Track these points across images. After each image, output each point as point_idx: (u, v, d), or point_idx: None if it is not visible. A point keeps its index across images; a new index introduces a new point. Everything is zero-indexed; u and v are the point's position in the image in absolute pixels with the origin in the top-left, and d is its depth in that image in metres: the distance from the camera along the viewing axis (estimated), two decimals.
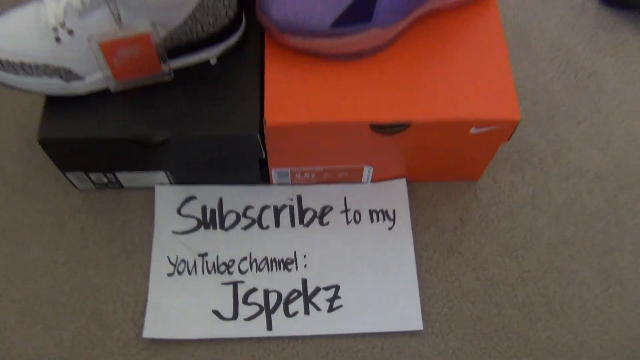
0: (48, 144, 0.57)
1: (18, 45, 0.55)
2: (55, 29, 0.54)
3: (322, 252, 0.63)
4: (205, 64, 0.60)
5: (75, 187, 0.66)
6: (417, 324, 0.59)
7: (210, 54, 0.60)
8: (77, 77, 0.57)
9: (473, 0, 0.61)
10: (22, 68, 0.55)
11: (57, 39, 0.54)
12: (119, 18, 0.53)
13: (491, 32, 0.60)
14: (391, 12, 0.56)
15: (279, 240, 0.63)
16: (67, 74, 0.56)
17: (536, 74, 0.75)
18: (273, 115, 0.55)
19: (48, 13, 0.54)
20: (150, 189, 0.66)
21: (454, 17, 0.61)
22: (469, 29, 0.60)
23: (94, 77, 0.57)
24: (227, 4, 0.57)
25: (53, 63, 0.55)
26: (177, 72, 0.60)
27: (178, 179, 0.65)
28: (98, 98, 0.58)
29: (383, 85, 0.57)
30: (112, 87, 0.58)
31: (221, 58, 0.60)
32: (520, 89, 0.74)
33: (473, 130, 0.58)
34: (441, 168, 0.65)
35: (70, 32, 0.54)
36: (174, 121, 0.58)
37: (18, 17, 0.56)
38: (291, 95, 0.56)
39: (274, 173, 0.65)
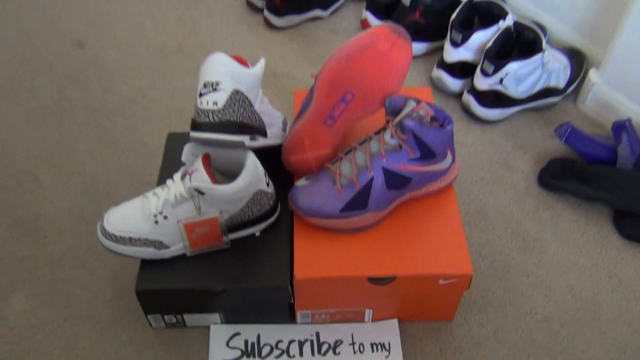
0: (142, 294, 0.81)
1: (127, 226, 0.82)
2: (155, 215, 0.81)
3: None
4: (252, 235, 0.86)
5: (151, 325, 0.89)
6: None
7: (256, 229, 0.86)
8: (166, 247, 0.82)
9: (437, 192, 0.88)
10: (130, 241, 0.81)
11: (156, 222, 0.81)
12: (199, 208, 0.80)
13: (451, 213, 0.86)
14: (379, 202, 0.82)
15: None
16: (159, 245, 0.82)
17: (493, 240, 1.00)
18: (300, 271, 0.79)
19: (151, 205, 0.82)
20: (207, 327, 0.88)
21: (425, 203, 0.88)
22: (435, 211, 0.87)
23: (177, 246, 0.83)
24: (269, 197, 0.84)
25: (151, 238, 0.82)
26: (232, 241, 0.85)
27: (228, 319, 0.88)
28: (177, 260, 0.83)
29: (376, 250, 0.82)
30: (188, 253, 0.84)
31: (263, 231, 0.86)
32: (482, 251, 0.98)
33: (441, 281, 0.81)
34: (423, 310, 0.88)
35: (165, 217, 0.81)
36: (228, 276, 0.82)
37: (129, 207, 0.84)
38: (313, 258, 0.81)
39: (299, 315, 0.87)
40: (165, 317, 0.87)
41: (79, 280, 0.95)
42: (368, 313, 0.87)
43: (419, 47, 1.33)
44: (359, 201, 0.82)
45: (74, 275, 0.95)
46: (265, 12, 1.41)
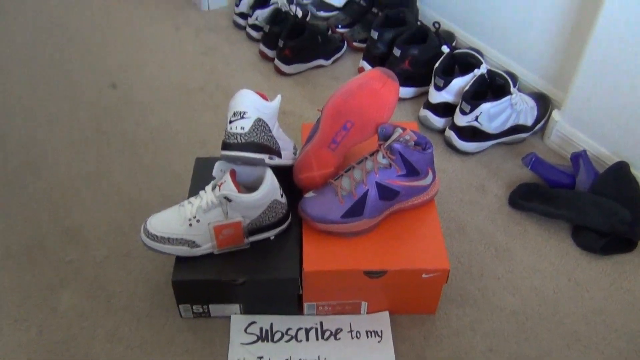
0: (176, 284, 0.98)
1: (167, 228, 0.99)
2: (189, 219, 0.99)
3: (336, 356, 0.99)
4: (268, 239, 1.04)
5: (181, 315, 1.05)
6: None
7: (271, 234, 1.04)
8: (197, 246, 1.00)
9: (421, 204, 1.06)
10: (168, 240, 0.99)
11: (190, 224, 0.99)
12: (227, 213, 0.98)
13: (432, 221, 1.05)
14: (373, 211, 1.01)
15: (308, 349, 1.00)
16: (192, 244, 1.00)
17: (470, 250, 1.18)
18: (308, 265, 0.97)
19: (186, 211, 1.00)
20: (228, 318, 1.05)
21: (411, 213, 1.06)
22: (419, 220, 1.05)
23: (207, 245, 1.00)
24: (282, 206, 1.03)
25: (185, 238, 0.99)
26: (251, 243, 1.03)
27: (246, 310, 1.04)
28: (206, 258, 1.01)
29: (371, 250, 0.99)
30: (215, 251, 1.01)
31: (277, 235, 1.04)
32: (461, 259, 1.16)
33: (424, 275, 0.99)
34: (410, 303, 1.05)
35: (198, 221, 0.99)
36: (248, 270, 0.99)
37: (168, 213, 1.01)
38: (319, 255, 0.98)
39: (305, 306, 1.04)
40: (194, 307, 1.03)
41: (118, 279, 1.12)
42: (364, 305, 1.04)
43: (407, 91, 1.55)
44: (357, 209, 1.00)
45: (114, 275, 1.12)
46: (276, 61, 1.64)
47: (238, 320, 1.04)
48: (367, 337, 1.02)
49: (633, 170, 1.25)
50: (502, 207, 1.27)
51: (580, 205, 1.20)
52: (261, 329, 1.03)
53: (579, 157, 1.27)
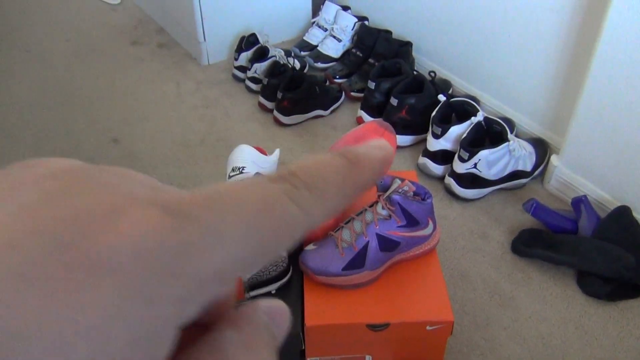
0: None
1: None
2: None
3: None
4: (269, 293, 1.03)
5: None
6: None
7: (272, 288, 1.03)
8: None
9: (422, 254, 1.05)
10: None
11: None
12: None
13: (434, 272, 1.04)
14: (374, 262, 1.00)
15: None
16: None
17: (475, 298, 1.16)
18: (310, 320, 0.95)
19: None
20: None
21: (413, 264, 1.05)
22: (421, 270, 1.04)
23: None
24: (282, 260, 1.02)
25: None
26: (252, 297, 1.02)
27: None
28: None
29: (373, 302, 0.98)
30: None
31: (278, 289, 1.03)
32: (465, 308, 1.14)
33: (428, 327, 0.97)
34: (415, 356, 1.02)
35: None
36: None
37: None
38: (321, 309, 0.97)
39: None
40: None
41: None
42: None
43: (406, 139, 1.56)
44: (358, 261, 0.99)
45: None
46: (275, 112, 1.66)
47: None
48: None
49: (635, 214, 1.24)
50: (505, 254, 1.26)
51: (584, 251, 1.19)
52: None
53: (580, 202, 1.27)
